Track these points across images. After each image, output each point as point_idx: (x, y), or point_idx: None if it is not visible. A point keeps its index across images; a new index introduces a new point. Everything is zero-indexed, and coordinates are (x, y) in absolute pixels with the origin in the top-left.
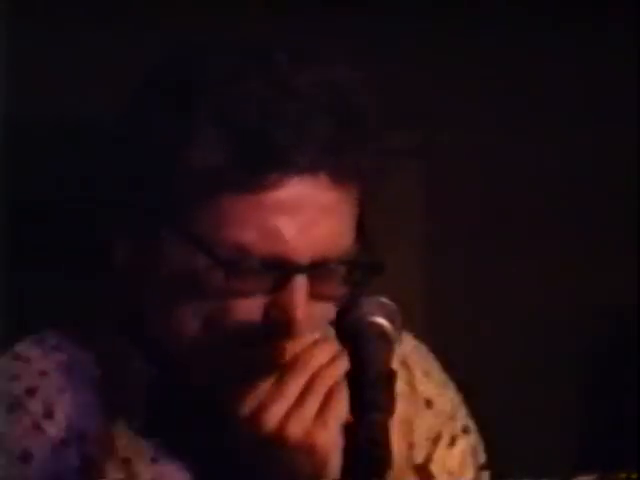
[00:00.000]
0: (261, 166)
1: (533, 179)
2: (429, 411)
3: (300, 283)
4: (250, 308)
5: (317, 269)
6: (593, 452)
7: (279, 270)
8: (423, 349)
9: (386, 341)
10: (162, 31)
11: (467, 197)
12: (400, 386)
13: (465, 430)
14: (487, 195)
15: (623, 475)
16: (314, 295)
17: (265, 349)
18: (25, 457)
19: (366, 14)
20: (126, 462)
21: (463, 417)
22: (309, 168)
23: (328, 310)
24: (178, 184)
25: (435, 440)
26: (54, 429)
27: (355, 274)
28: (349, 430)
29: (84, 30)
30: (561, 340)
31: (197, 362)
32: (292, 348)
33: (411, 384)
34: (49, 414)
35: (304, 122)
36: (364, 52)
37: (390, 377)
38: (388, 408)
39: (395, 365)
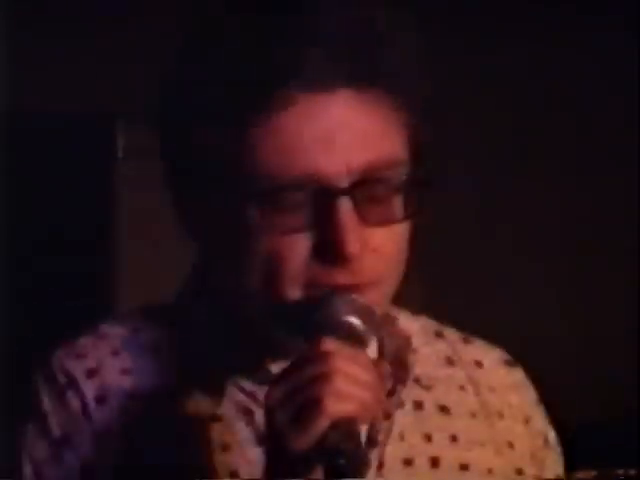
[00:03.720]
0: (270, 83)
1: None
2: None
3: (343, 207)
4: (298, 245)
5: (359, 190)
6: (591, 448)
7: (317, 196)
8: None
9: (356, 341)
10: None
11: (467, 196)
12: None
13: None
14: (487, 194)
15: (621, 471)
16: (368, 220)
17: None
18: (64, 441)
19: None
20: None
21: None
22: (322, 79)
23: (398, 235)
24: (201, 131)
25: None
26: (100, 416)
27: (407, 193)
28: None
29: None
30: (561, 337)
31: (260, 315)
32: (328, 344)
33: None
34: (102, 399)
35: (311, 32)
36: None
37: None
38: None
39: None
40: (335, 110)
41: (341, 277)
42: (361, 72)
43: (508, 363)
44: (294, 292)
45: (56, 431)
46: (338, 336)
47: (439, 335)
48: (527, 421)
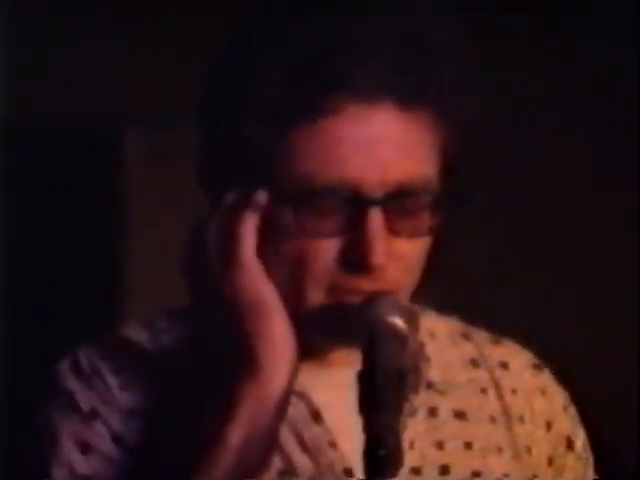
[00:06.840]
0: (322, 90)
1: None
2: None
3: (375, 217)
4: (325, 250)
5: (391, 202)
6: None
7: (350, 204)
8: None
9: (400, 341)
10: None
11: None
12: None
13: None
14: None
15: None
16: (396, 231)
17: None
18: (93, 414)
19: None
20: None
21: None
22: (372, 91)
23: (421, 246)
24: (248, 127)
25: None
26: (124, 400)
27: (441, 207)
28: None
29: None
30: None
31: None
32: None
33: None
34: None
35: (366, 44)
36: None
37: (401, 378)
38: (396, 409)
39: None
40: (378, 122)
41: (365, 283)
42: (409, 89)
43: (535, 366)
44: (317, 295)
45: (85, 406)
46: (384, 336)
47: (466, 337)
48: (549, 426)
